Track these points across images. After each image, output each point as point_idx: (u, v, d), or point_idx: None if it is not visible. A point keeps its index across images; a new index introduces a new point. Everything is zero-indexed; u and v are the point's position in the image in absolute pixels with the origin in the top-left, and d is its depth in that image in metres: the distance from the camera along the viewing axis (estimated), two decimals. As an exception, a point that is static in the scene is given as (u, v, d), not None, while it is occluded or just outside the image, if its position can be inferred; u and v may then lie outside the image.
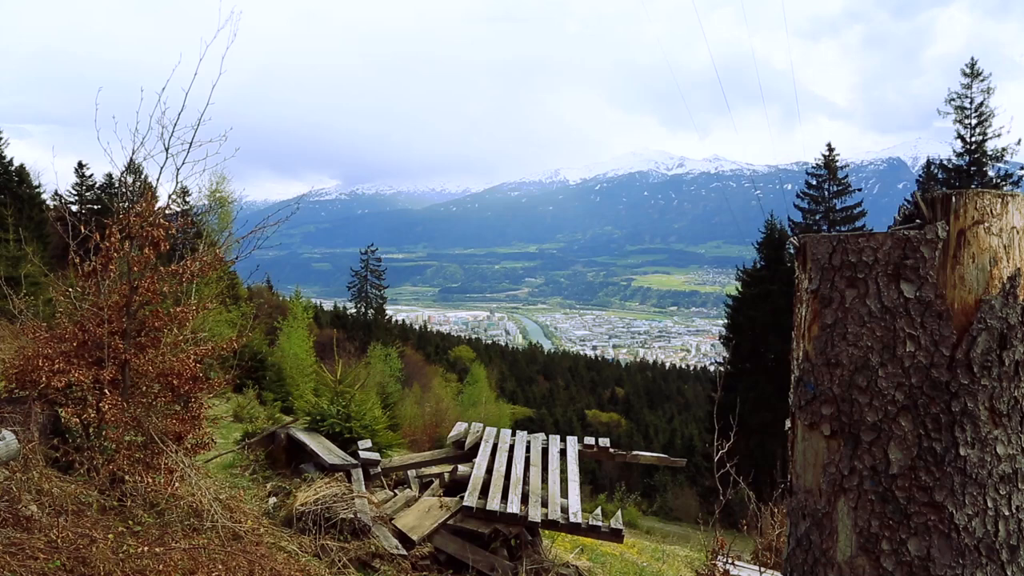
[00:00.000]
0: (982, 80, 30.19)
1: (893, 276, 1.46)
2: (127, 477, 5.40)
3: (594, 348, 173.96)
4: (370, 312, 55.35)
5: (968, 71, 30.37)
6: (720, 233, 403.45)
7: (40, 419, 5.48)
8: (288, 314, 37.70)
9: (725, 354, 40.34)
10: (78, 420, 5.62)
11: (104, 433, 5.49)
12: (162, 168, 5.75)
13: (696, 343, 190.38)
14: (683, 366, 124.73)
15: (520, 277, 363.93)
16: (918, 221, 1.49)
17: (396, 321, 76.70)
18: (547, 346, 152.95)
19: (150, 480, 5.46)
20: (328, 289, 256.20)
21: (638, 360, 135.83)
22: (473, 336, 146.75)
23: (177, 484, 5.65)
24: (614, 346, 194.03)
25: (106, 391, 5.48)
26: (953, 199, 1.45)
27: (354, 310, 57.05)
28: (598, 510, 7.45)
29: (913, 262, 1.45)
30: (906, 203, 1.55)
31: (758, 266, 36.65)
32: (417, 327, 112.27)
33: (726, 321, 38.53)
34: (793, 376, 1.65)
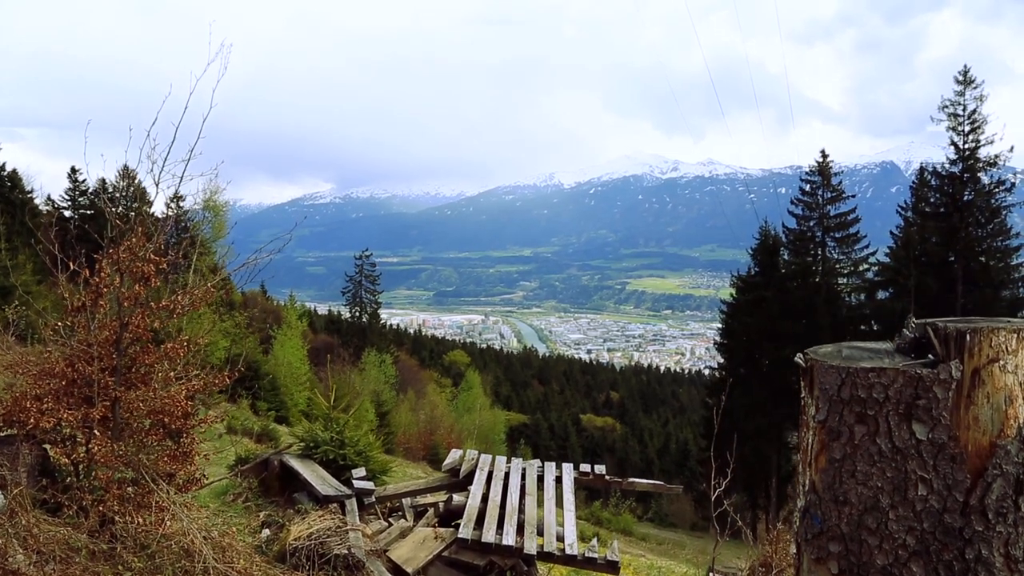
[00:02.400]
0: (975, 87, 30.36)
1: (905, 416, 1.41)
2: (117, 518, 5.31)
3: (589, 352, 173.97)
4: (365, 317, 55.15)
5: (961, 78, 30.51)
6: (714, 237, 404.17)
7: (28, 460, 5.38)
8: (282, 321, 37.57)
9: (720, 359, 40.41)
10: (67, 460, 5.53)
11: (94, 473, 5.40)
12: (152, 202, 5.67)
13: (691, 347, 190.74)
14: (678, 370, 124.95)
15: (515, 281, 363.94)
16: (930, 356, 1.44)
17: (391, 325, 76.55)
18: (542, 350, 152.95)
19: (140, 520, 5.37)
20: (322, 293, 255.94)
21: (633, 364, 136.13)
22: (468, 340, 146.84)
23: (168, 523, 5.56)
24: (609, 350, 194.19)
25: (96, 431, 5.39)
26: (968, 336, 1.40)
27: (349, 315, 56.83)
28: (594, 540, 7.39)
29: (926, 402, 1.40)
30: (912, 326, 1.51)
31: (752, 272, 36.70)
32: (412, 331, 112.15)
33: (720, 326, 38.60)
34: (799, 504, 1.59)
